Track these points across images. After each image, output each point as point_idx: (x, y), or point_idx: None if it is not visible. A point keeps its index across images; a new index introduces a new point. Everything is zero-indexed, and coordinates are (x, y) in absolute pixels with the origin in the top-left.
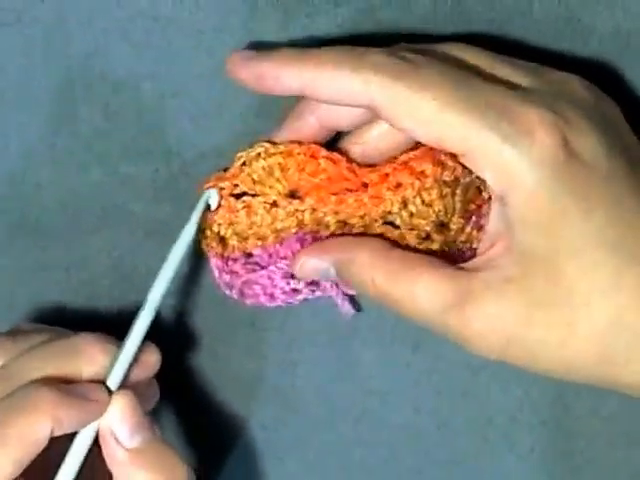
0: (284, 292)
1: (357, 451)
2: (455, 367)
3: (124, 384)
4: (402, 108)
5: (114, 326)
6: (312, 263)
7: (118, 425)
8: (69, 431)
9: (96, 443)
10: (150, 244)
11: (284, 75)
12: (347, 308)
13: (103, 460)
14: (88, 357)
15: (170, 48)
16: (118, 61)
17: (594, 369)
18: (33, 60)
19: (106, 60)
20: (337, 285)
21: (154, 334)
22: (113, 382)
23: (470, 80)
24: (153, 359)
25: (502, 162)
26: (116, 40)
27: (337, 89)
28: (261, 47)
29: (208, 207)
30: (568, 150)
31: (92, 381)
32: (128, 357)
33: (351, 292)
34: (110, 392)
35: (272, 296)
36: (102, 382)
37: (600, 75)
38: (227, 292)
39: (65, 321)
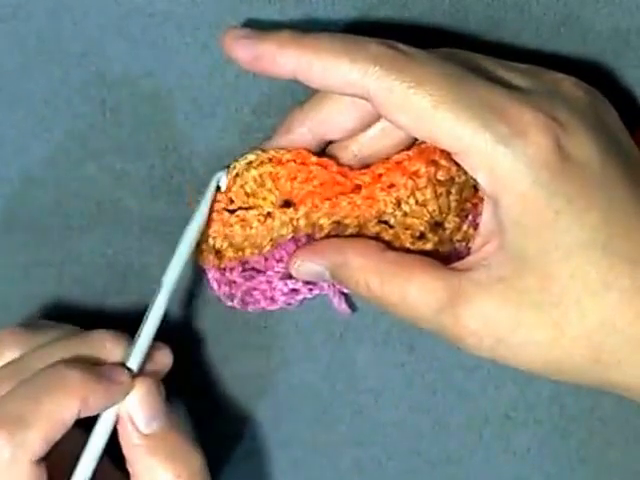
0: (284, 294)
1: (351, 450)
2: (450, 366)
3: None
4: (397, 102)
5: (109, 323)
6: (307, 266)
7: (137, 410)
8: (93, 413)
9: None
10: (145, 241)
11: (281, 57)
12: (343, 307)
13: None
14: (108, 349)
15: (166, 44)
16: (114, 58)
17: (585, 370)
18: (28, 56)
19: (102, 57)
20: (334, 284)
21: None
22: (132, 367)
23: (466, 79)
24: (166, 359)
25: (495, 163)
26: (112, 36)
27: (334, 77)
28: (257, 25)
29: (218, 189)
30: (562, 152)
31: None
32: (146, 342)
33: (348, 291)
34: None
35: (273, 299)
36: (125, 367)
37: (599, 73)
38: (228, 303)
39: (59, 318)
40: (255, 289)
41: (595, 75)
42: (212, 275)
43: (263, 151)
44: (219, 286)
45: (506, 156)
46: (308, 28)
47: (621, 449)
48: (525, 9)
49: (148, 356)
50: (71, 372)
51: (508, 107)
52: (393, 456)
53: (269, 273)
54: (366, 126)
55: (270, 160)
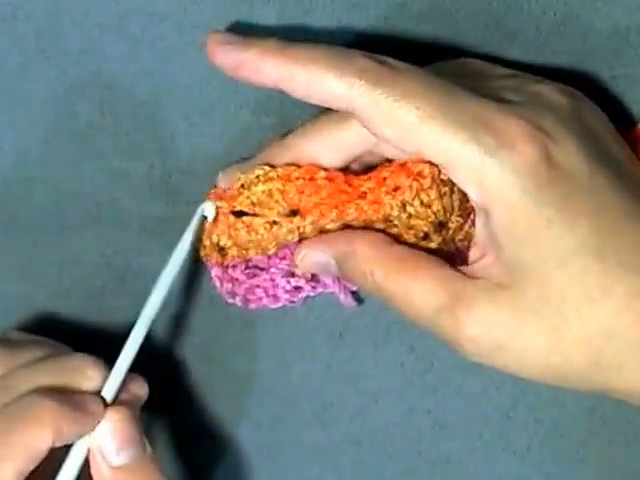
0: (286, 291)
1: (351, 450)
2: (450, 366)
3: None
4: (383, 116)
5: (107, 323)
6: (313, 256)
7: (106, 441)
8: (68, 442)
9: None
10: (144, 241)
11: (265, 67)
12: (349, 301)
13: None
14: (87, 375)
15: (165, 44)
16: (113, 57)
17: (586, 375)
18: (27, 56)
19: (101, 56)
20: (338, 280)
21: (147, 334)
22: (107, 397)
23: (452, 92)
24: (140, 391)
25: (483, 174)
26: (111, 36)
27: (318, 89)
28: (240, 27)
29: (205, 217)
30: (549, 160)
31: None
32: (122, 371)
33: (352, 287)
34: (106, 406)
35: (275, 297)
36: (99, 396)
37: (599, 72)
38: (230, 301)
39: (58, 319)
40: (257, 287)
41: (595, 74)
42: (214, 272)
43: (271, 167)
44: (221, 283)
45: (494, 167)
46: (307, 28)
47: (621, 449)
48: (525, 8)
49: (124, 386)
50: (45, 402)
51: (494, 119)
52: (393, 456)
53: (272, 270)
54: (353, 160)
55: (278, 177)
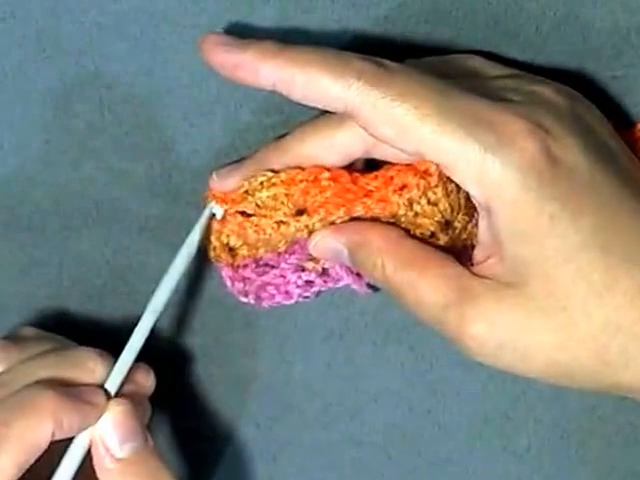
0: (298, 286)
1: (351, 450)
2: (450, 366)
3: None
4: (381, 116)
5: (107, 323)
6: (327, 242)
7: (109, 433)
8: (69, 435)
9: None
10: (144, 240)
11: (262, 69)
12: (364, 289)
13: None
14: (90, 369)
15: (164, 43)
16: (112, 56)
17: (592, 372)
18: (26, 56)
19: (100, 56)
20: (350, 270)
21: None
22: (110, 389)
23: (450, 92)
24: (147, 381)
25: (484, 172)
26: (110, 36)
27: (316, 91)
28: (239, 27)
29: (214, 215)
30: (550, 157)
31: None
32: (126, 363)
33: (364, 278)
34: (108, 399)
35: (287, 293)
36: (102, 389)
37: (598, 72)
38: (243, 299)
39: (58, 318)
40: (269, 284)
41: (595, 74)
42: (225, 272)
43: (275, 172)
44: (232, 283)
45: (494, 164)
46: (307, 28)
47: (621, 449)
48: (524, 7)
49: (128, 377)
50: (45, 393)
51: (493, 117)
52: (393, 456)
53: (282, 266)
54: (351, 163)
55: (282, 182)
